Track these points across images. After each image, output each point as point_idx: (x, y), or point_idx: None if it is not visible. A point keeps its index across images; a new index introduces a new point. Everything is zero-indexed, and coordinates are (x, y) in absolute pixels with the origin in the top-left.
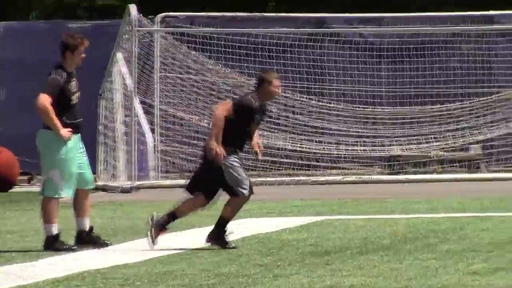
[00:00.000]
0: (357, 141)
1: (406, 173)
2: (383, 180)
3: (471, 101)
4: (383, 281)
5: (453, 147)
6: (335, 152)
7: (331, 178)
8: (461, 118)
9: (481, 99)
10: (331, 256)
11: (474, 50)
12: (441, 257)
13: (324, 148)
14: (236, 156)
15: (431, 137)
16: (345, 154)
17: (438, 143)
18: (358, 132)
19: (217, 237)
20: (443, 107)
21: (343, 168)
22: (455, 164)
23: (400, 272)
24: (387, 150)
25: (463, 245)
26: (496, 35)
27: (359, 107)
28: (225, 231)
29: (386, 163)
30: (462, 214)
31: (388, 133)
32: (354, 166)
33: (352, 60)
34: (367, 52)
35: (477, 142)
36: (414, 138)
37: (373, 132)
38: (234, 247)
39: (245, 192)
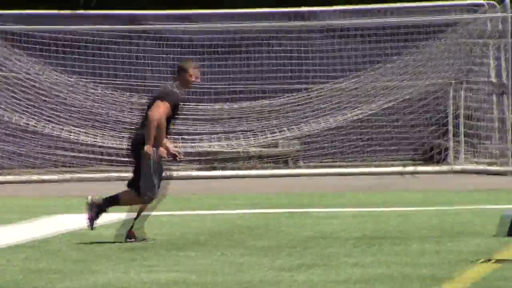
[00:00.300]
0: (177, 138)
1: (224, 169)
2: (202, 176)
3: (289, 96)
4: (197, 277)
5: (271, 142)
6: None
7: None
8: (279, 114)
9: (299, 95)
10: (147, 252)
11: (291, 47)
12: (257, 252)
13: None
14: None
15: (249, 133)
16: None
17: (256, 139)
18: (179, 129)
19: (97, 210)
20: (262, 103)
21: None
22: (273, 160)
23: (211, 268)
24: (206, 147)
25: (280, 241)
26: (311, 31)
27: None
28: (105, 211)
29: (205, 159)
30: (280, 209)
31: (208, 130)
32: (175, 162)
33: (171, 57)
34: (186, 49)
35: (295, 138)
36: (233, 134)
37: (193, 128)
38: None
39: (148, 197)
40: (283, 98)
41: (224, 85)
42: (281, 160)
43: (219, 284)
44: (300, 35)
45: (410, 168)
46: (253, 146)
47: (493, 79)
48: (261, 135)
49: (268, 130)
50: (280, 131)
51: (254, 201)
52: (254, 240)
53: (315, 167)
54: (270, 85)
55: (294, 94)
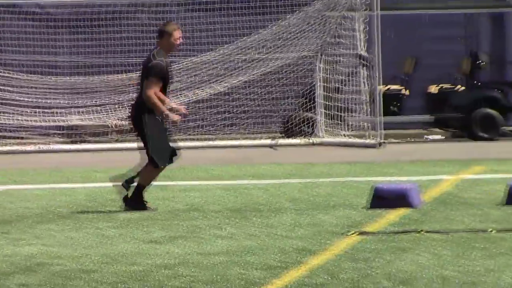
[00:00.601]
0: (36, 111)
1: (85, 142)
2: (63, 149)
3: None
4: (61, 249)
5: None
6: (15, 122)
7: (11, 148)
8: (139, 87)
9: None
10: (10, 225)
11: (152, 20)
12: (120, 225)
13: (4, 118)
14: (159, 121)
15: (110, 107)
16: (25, 124)
17: (117, 113)
18: (38, 102)
19: (135, 202)
20: (128, 76)
21: (22, 138)
22: (134, 133)
23: (78, 241)
24: (67, 120)
25: (142, 214)
26: (173, 5)
27: (40, 77)
28: (143, 198)
29: (65, 133)
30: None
31: (68, 103)
32: (34, 135)
33: (30, 30)
34: (46, 23)
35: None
36: (94, 107)
37: (53, 102)
38: (155, 209)
39: (161, 163)
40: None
41: (87, 58)
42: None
43: (89, 257)
44: (165, 9)
45: (277, 141)
46: (115, 120)
47: (361, 52)
48: (123, 109)
49: (129, 104)
50: None
51: (114, 174)
52: (126, 213)
53: (183, 140)
54: (136, 59)
55: None
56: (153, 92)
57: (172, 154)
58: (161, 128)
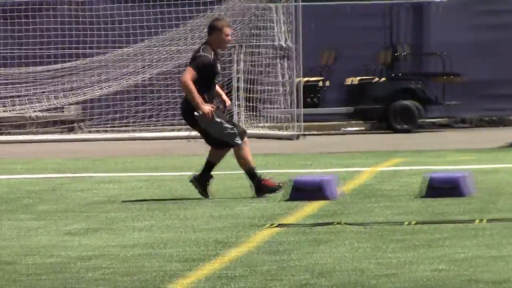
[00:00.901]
0: None
1: (4, 134)
2: None
3: (71, 61)
4: None
5: (51, 107)
6: None
7: None
8: (60, 79)
9: (81, 60)
10: None
11: (74, 11)
12: (39, 217)
13: None
14: (215, 111)
15: (30, 98)
16: None
17: (36, 104)
18: None
19: (261, 189)
20: (43, 68)
21: None
22: (53, 125)
23: (1, 233)
24: None
25: (61, 206)
26: None
27: None
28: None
29: None
30: (60, 174)
31: None
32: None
33: None
34: None
35: (77, 103)
36: (13, 99)
37: None
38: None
39: (236, 143)
40: (68, 63)
41: (8, 49)
42: (66, 125)
43: (9, 249)
44: (82, 0)
45: (195, 133)
46: (34, 111)
47: (282, 43)
48: (42, 100)
49: (49, 95)
50: (61, 96)
51: (41, 166)
52: (42, 205)
53: (100, 132)
54: (58, 50)
55: (79, 59)
56: (186, 81)
57: (241, 131)
58: (217, 112)
